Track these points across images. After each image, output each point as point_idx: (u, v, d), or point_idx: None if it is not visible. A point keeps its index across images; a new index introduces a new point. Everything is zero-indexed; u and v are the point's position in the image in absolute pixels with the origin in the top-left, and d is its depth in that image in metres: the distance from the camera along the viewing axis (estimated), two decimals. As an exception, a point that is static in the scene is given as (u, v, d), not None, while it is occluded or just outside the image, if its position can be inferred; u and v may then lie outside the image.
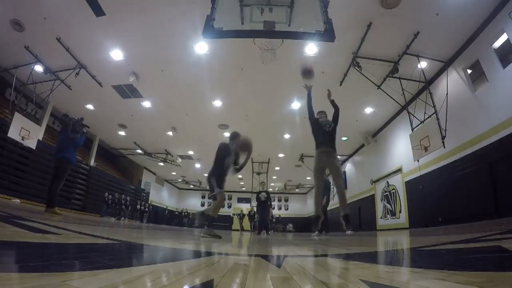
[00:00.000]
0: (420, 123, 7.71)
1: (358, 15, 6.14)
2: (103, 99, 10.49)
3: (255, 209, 12.58)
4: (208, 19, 4.22)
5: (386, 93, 8.19)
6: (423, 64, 7.34)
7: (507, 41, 5.69)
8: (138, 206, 17.50)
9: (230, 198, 28.04)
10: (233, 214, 27.07)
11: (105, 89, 9.64)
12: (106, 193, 14.32)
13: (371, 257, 1.84)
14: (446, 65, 7.30)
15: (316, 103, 10.38)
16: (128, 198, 15.72)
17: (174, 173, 21.99)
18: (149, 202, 19.78)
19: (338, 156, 15.62)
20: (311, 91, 4.68)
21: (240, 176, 21.19)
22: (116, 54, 7.87)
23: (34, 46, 7.73)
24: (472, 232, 3.65)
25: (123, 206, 15.09)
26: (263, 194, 9.16)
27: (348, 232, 4.83)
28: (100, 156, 16.17)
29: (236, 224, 26.52)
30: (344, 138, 13.08)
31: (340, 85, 8.57)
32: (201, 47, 7.40)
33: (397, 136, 10.31)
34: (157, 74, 8.73)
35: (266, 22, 4.38)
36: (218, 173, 4.36)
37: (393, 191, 10.47)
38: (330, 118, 4.91)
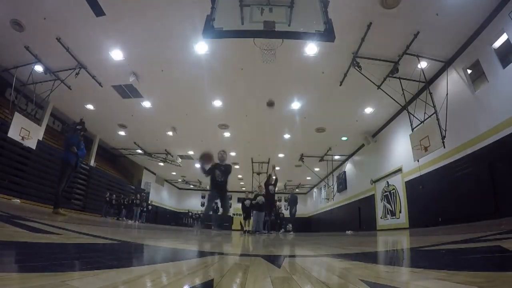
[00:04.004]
0: (420, 123, 7.71)
1: (358, 15, 6.13)
2: (103, 99, 10.49)
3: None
4: (208, 19, 4.22)
5: (386, 93, 8.19)
6: (423, 64, 7.34)
7: (507, 41, 5.68)
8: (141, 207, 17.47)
9: (230, 198, 28.00)
10: (233, 214, 27.07)
11: (105, 89, 9.64)
12: (108, 193, 14.27)
13: (371, 257, 1.85)
14: (446, 65, 7.29)
15: (315, 104, 10.40)
16: (130, 198, 15.73)
17: (174, 173, 21.99)
18: (148, 201, 19.76)
19: (337, 156, 15.61)
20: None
21: (240, 176, 21.21)
22: (116, 54, 7.86)
23: (34, 46, 7.73)
24: (472, 232, 3.66)
25: (127, 207, 15.12)
26: (260, 198, 9.23)
27: (349, 232, 4.96)
28: (100, 156, 16.17)
29: (236, 224, 26.48)
30: (344, 138, 13.09)
31: (340, 85, 8.57)
32: (201, 47, 7.39)
33: (397, 136, 10.31)
34: (157, 74, 8.72)
35: (266, 22, 4.38)
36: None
37: (393, 191, 10.47)
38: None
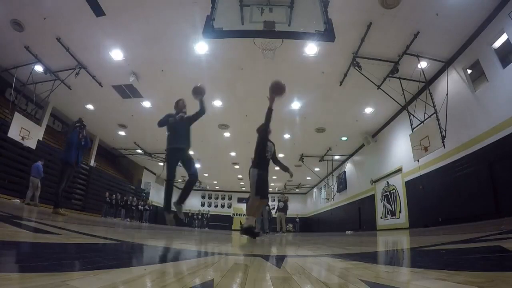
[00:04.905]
0: (420, 123, 7.71)
1: (358, 15, 6.14)
2: (103, 99, 10.49)
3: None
4: (208, 19, 4.23)
5: (386, 93, 8.19)
6: (423, 64, 7.34)
7: (507, 41, 5.69)
8: (141, 207, 17.46)
9: (230, 198, 28.09)
10: (233, 214, 27.12)
11: (105, 89, 9.64)
12: (108, 193, 14.21)
13: (371, 257, 1.85)
14: (446, 65, 7.29)
15: (315, 104, 10.38)
16: (133, 198, 15.72)
17: (174, 173, 21.96)
18: (148, 201, 19.76)
19: (337, 156, 15.51)
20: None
21: (240, 176, 21.20)
22: (116, 54, 7.86)
23: (34, 46, 7.73)
24: (472, 232, 3.66)
25: (130, 207, 15.15)
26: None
27: (349, 232, 4.88)
28: (100, 156, 16.16)
29: (236, 224, 26.51)
30: (344, 138, 13.08)
31: (340, 85, 8.57)
32: (201, 47, 7.39)
33: (397, 136, 10.31)
34: (157, 74, 8.72)
35: (266, 22, 4.38)
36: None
37: (393, 191, 10.47)
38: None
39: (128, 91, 9.77)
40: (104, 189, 14.59)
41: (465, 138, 6.73)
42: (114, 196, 14.49)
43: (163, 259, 1.45)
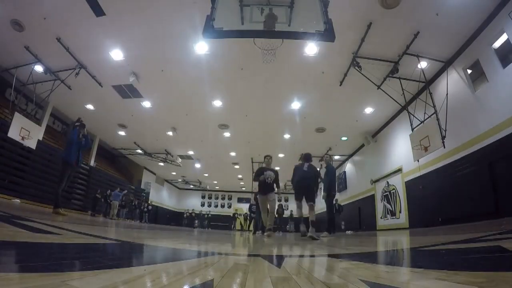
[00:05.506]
0: (420, 123, 7.71)
1: (358, 15, 6.13)
2: (103, 99, 10.49)
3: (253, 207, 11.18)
4: (208, 19, 4.22)
5: (386, 93, 8.18)
6: (423, 64, 7.34)
7: (507, 41, 5.68)
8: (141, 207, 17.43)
9: (230, 198, 28.08)
10: (233, 214, 27.14)
11: (105, 89, 9.64)
12: (99, 190, 13.73)
13: (371, 257, 1.85)
14: (446, 65, 7.29)
15: (315, 104, 10.39)
16: (132, 198, 15.69)
17: (174, 173, 21.99)
18: (149, 201, 19.77)
19: (337, 156, 15.52)
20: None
21: (240, 176, 21.20)
22: (116, 54, 7.86)
23: (34, 46, 7.73)
24: (472, 232, 3.66)
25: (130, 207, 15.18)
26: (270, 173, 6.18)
27: (349, 232, 4.88)
28: (100, 156, 16.16)
29: (237, 224, 26.54)
30: (344, 138, 13.08)
31: (340, 85, 8.57)
32: (201, 47, 7.39)
33: (397, 136, 10.31)
34: (157, 74, 8.72)
35: (266, 22, 4.38)
36: None
37: (393, 191, 10.47)
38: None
39: (128, 91, 9.77)
40: (104, 189, 14.57)
41: (465, 138, 6.73)
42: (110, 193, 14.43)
43: (163, 259, 1.45)
